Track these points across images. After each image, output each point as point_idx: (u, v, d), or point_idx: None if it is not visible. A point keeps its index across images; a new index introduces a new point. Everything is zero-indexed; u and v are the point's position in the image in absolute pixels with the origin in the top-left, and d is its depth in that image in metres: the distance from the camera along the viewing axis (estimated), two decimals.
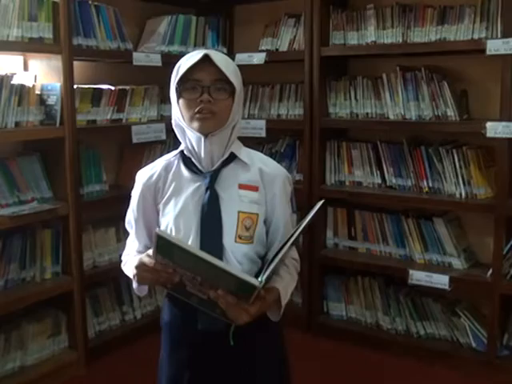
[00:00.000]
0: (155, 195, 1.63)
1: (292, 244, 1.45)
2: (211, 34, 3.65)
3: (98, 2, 3.07)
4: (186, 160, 1.60)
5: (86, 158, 3.08)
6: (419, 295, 3.17)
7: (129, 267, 1.63)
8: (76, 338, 2.99)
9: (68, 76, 2.81)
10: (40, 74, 2.90)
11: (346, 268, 3.34)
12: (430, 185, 3.06)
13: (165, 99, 3.47)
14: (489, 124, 2.74)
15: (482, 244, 3.12)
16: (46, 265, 2.90)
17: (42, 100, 2.84)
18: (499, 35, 2.76)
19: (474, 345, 3.00)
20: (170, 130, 3.38)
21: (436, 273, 2.97)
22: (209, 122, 1.50)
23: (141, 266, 1.46)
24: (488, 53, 2.70)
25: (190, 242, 1.52)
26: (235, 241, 1.53)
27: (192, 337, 1.57)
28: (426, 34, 2.97)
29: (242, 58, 3.37)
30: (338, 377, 2.95)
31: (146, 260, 1.44)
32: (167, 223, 1.58)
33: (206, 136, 1.53)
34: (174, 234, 1.55)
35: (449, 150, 2.99)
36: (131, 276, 1.58)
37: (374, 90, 3.19)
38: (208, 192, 1.55)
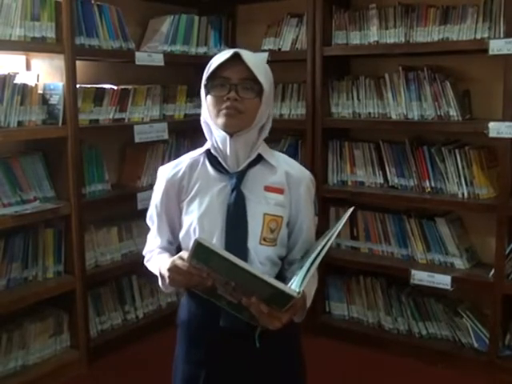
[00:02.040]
0: (179, 193, 1.61)
1: (326, 252, 1.43)
2: (214, 33, 3.65)
3: (100, 1, 3.07)
4: (212, 159, 1.59)
5: (89, 158, 3.08)
6: (421, 295, 3.17)
7: (154, 265, 1.63)
8: (78, 337, 3.00)
9: (70, 75, 2.81)
10: (42, 73, 2.91)
11: (348, 268, 3.33)
12: (433, 185, 3.06)
13: (167, 99, 3.47)
14: (491, 124, 2.74)
15: (484, 244, 3.12)
16: (48, 264, 2.90)
17: (44, 99, 2.84)
18: (502, 35, 2.75)
19: (475, 345, 3.00)
20: (172, 130, 3.40)
21: (438, 273, 2.97)
22: (234, 119, 1.49)
23: (173, 269, 1.44)
24: (491, 53, 2.69)
25: (213, 242, 1.51)
26: (260, 243, 1.53)
27: (211, 336, 1.56)
28: (428, 33, 2.97)
29: None
30: (340, 376, 2.95)
31: (179, 263, 1.42)
32: (191, 222, 1.56)
33: (231, 135, 1.52)
34: (197, 233, 1.54)
35: (451, 149, 2.98)
36: (157, 274, 1.58)
37: (377, 89, 3.18)
38: (234, 192, 1.53)
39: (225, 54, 1.50)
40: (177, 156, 3.76)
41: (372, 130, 3.28)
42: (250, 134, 1.54)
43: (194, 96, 3.61)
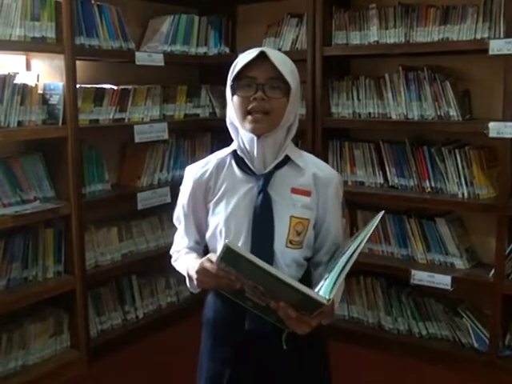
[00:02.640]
0: (206, 194, 1.60)
1: (356, 256, 1.41)
2: (214, 33, 3.65)
3: (100, 1, 3.07)
4: (238, 160, 1.57)
5: (89, 158, 3.08)
6: (421, 295, 3.17)
7: (182, 265, 1.63)
8: (78, 337, 3.00)
9: (70, 75, 2.81)
10: (42, 73, 2.90)
11: None
12: (433, 185, 3.06)
13: (167, 99, 3.47)
14: (491, 124, 2.74)
15: (484, 244, 3.12)
16: (48, 264, 2.90)
17: (44, 99, 2.84)
18: (502, 35, 2.75)
19: (475, 345, 3.00)
20: (172, 130, 3.41)
21: (438, 273, 2.97)
22: (261, 123, 1.48)
23: (202, 271, 1.43)
24: (491, 53, 2.69)
25: (239, 245, 1.50)
26: (286, 246, 1.51)
27: (236, 336, 1.55)
28: (428, 33, 2.97)
29: None
30: (340, 377, 2.93)
31: (208, 265, 1.41)
32: (217, 223, 1.56)
33: (258, 137, 1.50)
34: (224, 234, 1.53)
35: (451, 150, 2.98)
36: (185, 274, 1.58)
37: (377, 89, 3.18)
38: (261, 195, 1.52)
39: (251, 54, 1.48)
40: (176, 156, 3.80)
41: (372, 130, 3.28)
42: (278, 135, 1.52)
43: (193, 96, 3.61)
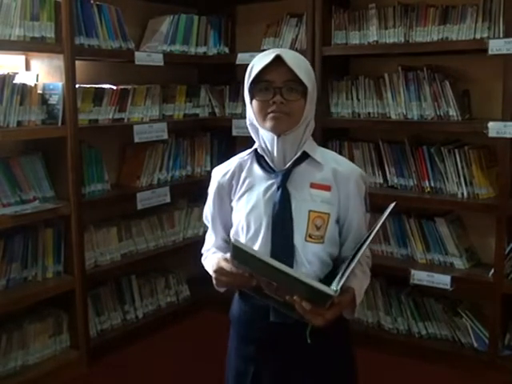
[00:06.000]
0: (229, 192, 1.65)
1: (366, 247, 1.45)
2: (213, 33, 3.65)
3: (100, 1, 3.07)
4: (259, 158, 1.61)
5: (88, 158, 3.08)
6: (421, 295, 3.17)
7: (208, 264, 1.66)
8: (78, 337, 3.00)
9: (70, 75, 2.81)
10: (42, 73, 2.90)
11: None
12: (432, 185, 3.06)
13: (167, 99, 3.47)
14: (491, 124, 2.74)
15: (483, 244, 3.12)
16: (47, 264, 2.90)
17: (43, 99, 2.84)
18: (501, 35, 2.75)
19: (475, 345, 3.00)
20: (171, 130, 3.41)
21: (438, 273, 2.97)
22: (282, 121, 1.51)
23: (219, 270, 1.49)
24: (490, 52, 2.69)
25: (260, 239, 1.54)
26: (305, 239, 1.53)
27: (261, 332, 1.59)
28: (428, 33, 2.97)
29: (244, 57, 3.36)
30: None
31: (224, 264, 1.47)
32: (239, 220, 1.60)
33: (278, 136, 1.53)
34: (244, 230, 1.57)
35: (451, 149, 2.98)
36: (211, 273, 1.60)
37: (376, 89, 3.18)
38: (280, 190, 1.55)
39: (266, 57, 1.50)
40: (176, 156, 3.80)
41: (371, 129, 3.28)
42: (297, 134, 1.56)
43: (193, 96, 3.61)
